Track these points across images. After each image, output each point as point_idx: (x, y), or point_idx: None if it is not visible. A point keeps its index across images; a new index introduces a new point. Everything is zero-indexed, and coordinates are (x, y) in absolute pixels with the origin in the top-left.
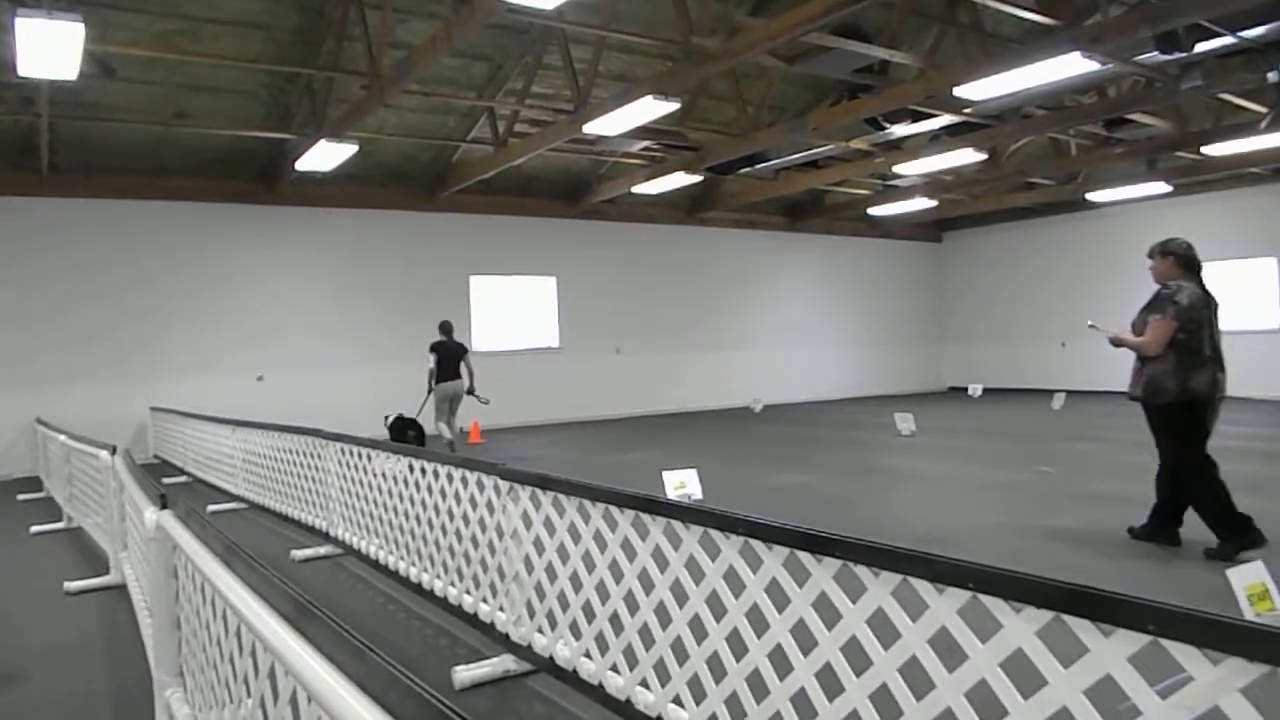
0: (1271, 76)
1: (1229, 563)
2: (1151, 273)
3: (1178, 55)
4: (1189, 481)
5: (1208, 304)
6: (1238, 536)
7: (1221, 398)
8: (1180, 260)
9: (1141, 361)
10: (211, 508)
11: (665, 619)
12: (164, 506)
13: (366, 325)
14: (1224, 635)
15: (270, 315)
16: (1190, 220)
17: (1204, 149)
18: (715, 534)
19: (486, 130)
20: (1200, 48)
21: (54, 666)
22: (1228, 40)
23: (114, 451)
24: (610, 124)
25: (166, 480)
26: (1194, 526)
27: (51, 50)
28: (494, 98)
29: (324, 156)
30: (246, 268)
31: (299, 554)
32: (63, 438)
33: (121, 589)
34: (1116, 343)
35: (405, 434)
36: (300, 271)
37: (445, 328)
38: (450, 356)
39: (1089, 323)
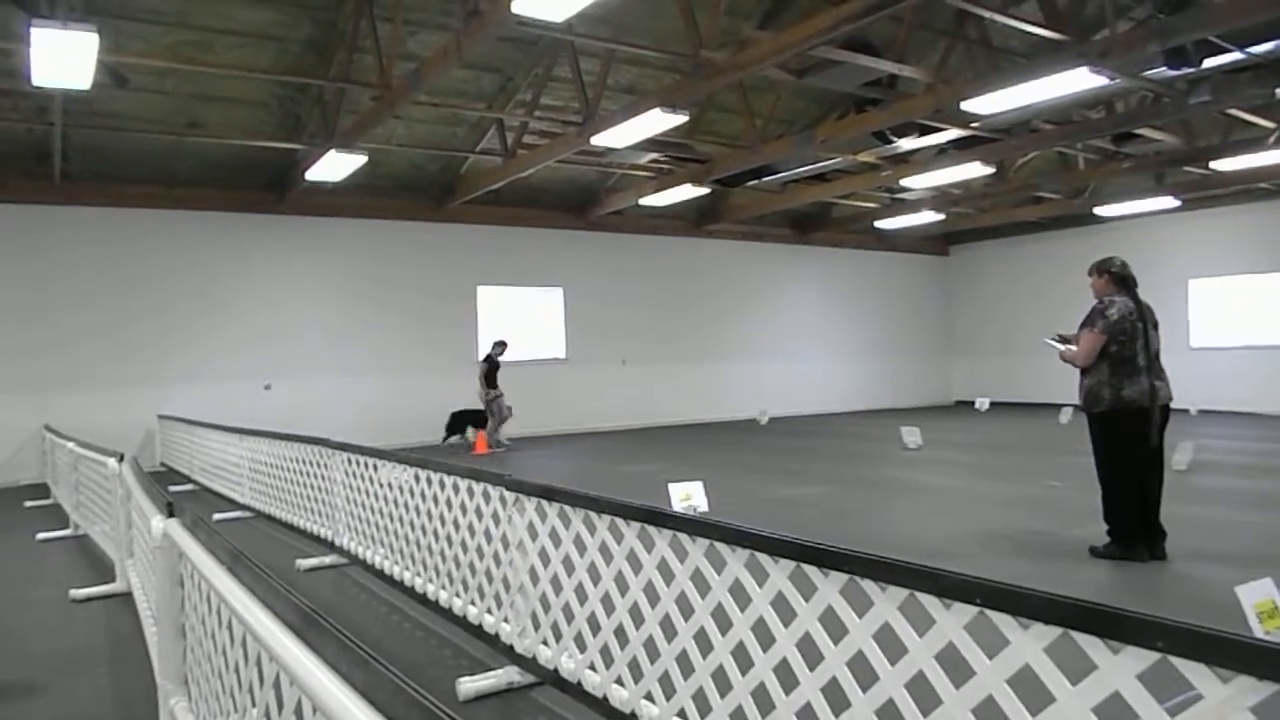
0: None
1: (1108, 560)
2: (1092, 290)
3: (1186, 70)
4: (1112, 482)
5: (1142, 317)
6: (1125, 546)
7: (1165, 406)
8: (1114, 278)
9: (1081, 373)
10: (217, 516)
11: (671, 632)
12: (171, 514)
13: (374, 335)
14: (1234, 653)
15: (278, 324)
16: (1198, 235)
17: (1212, 164)
18: (721, 547)
19: (495, 141)
20: (1208, 63)
21: (59, 674)
22: (1236, 56)
23: (121, 459)
24: (618, 136)
25: (173, 488)
26: (1190, 537)
27: (66, 60)
28: (503, 109)
29: (334, 167)
30: (256, 277)
31: (304, 563)
32: (71, 445)
33: (127, 597)
34: (1065, 358)
35: (459, 426)
36: (309, 281)
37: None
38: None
39: (1046, 340)
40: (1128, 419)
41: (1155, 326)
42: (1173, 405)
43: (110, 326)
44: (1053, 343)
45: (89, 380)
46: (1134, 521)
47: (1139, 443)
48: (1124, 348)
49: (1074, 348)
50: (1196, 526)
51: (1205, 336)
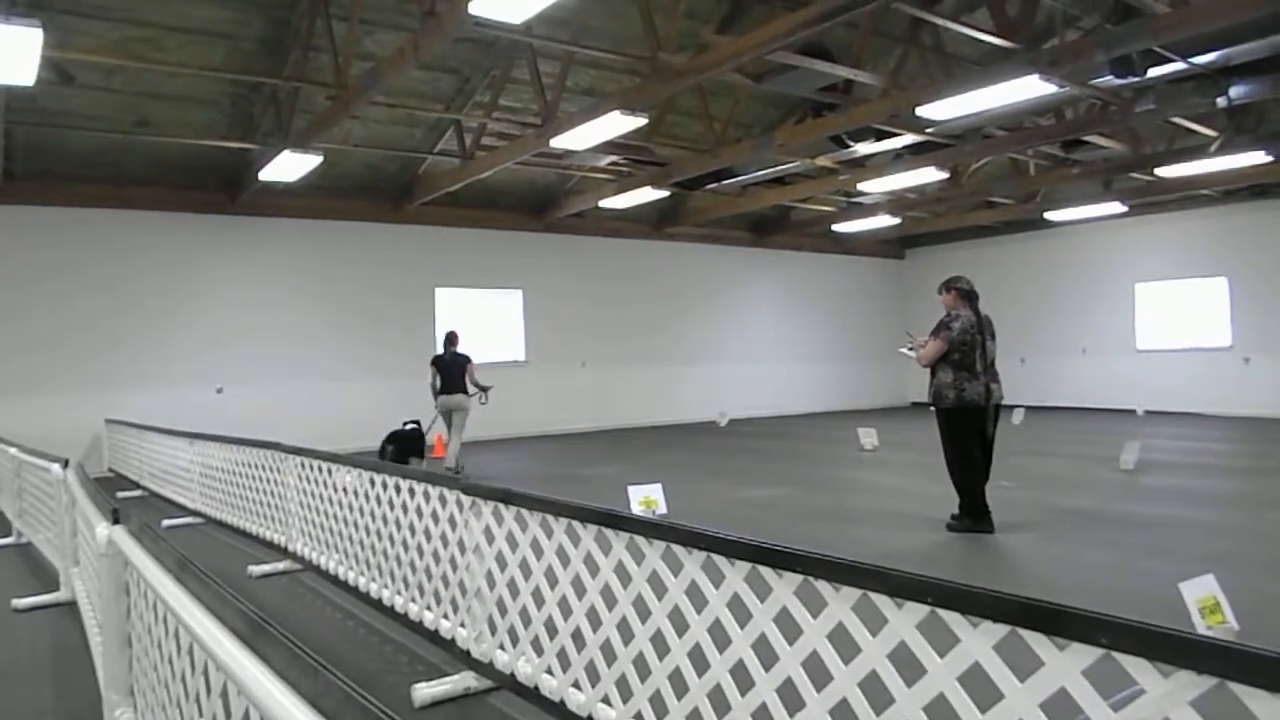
0: (1221, 101)
1: (960, 533)
2: (942, 304)
3: (1131, 79)
4: (956, 467)
5: (981, 329)
6: (970, 520)
7: (998, 405)
8: (961, 294)
9: (931, 374)
10: (167, 522)
11: (628, 635)
12: (116, 521)
13: (330, 338)
14: (1175, 648)
15: (231, 327)
16: (1144, 240)
17: (1157, 170)
18: (678, 549)
19: (453, 143)
20: (1153, 72)
21: (1, 685)
22: (1180, 66)
23: (66, 465)
24: (577, 138)
25: (121, 494)
26: (1137, 534)
27: (9, 56)
28: (461, 110)
29: (288, 167)
30: (208, 279)
31: (257, 570)
32: (14, 450)
33: (72, 606)
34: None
35: (384, 449)
36: (263, 283)
37: (448, 338)
38: (453, 368)
39: (901, 350)
40: (968, 413)
41: (993, 337)
42: (1121, 406)
43: (56, 329)
44: (907, 352)
45: (34, 385)
46: (980, 497)
47: (977, 433)
48: (965, 355)
49: (923, 348)
50: (1145, 524)
51: (1151, 339)
